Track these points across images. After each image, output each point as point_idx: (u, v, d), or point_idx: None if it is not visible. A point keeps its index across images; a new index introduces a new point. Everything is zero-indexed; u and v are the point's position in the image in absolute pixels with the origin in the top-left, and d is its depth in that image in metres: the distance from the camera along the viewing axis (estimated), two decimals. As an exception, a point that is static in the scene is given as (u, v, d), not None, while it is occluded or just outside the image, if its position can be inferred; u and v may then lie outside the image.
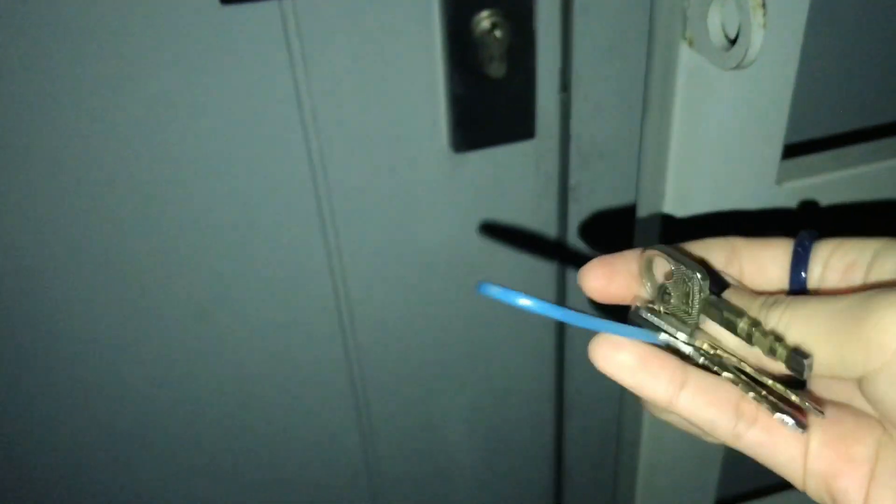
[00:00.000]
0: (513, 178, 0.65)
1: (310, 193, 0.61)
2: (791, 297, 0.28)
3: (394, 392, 0.74)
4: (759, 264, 0.32)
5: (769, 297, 0.29)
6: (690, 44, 0.43)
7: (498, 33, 0.55)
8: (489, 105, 0.59)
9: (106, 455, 0.69)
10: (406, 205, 0.64)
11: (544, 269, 0.71)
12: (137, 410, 0.67)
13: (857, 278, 0.29)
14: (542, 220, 0.68)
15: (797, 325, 0.27)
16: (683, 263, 0.29)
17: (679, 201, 0.63)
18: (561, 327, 0.75)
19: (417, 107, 0.59)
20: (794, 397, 0.28)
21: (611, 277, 0.32)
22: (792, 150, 0.58)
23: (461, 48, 0.56)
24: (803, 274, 0.30)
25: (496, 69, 0.57)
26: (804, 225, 0.59)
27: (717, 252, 0.32)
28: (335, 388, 0.72)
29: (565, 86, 0.62)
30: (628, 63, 0.62)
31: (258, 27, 0.53)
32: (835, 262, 0.30)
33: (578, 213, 0.68)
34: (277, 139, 0.58)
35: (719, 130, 0.49)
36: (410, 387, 0.74)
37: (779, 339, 0.27)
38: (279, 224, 0.62)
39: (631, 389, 0.30)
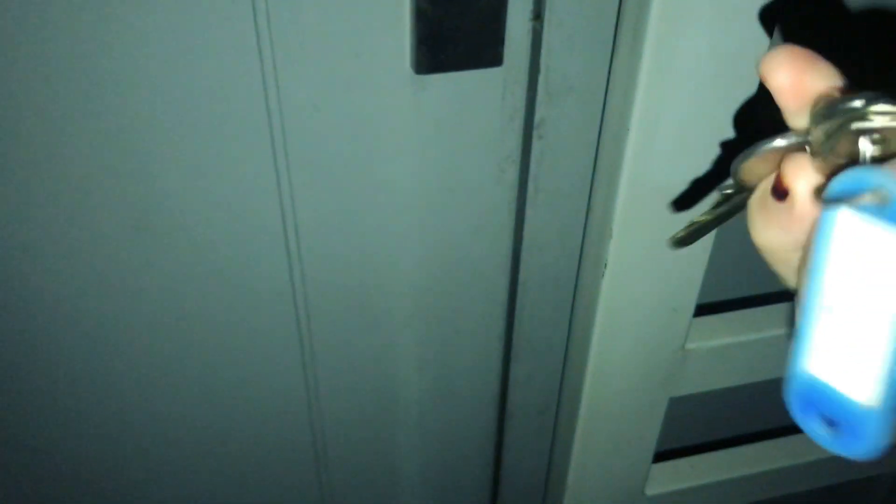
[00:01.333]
0: (476, 107, 0.62)
1: (261, 110, 0.57)
2: None
3: (340, 326, 0.71)
4: None
5: None
6: None
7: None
8: (455, 25, 0.56)
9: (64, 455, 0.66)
10: (362, 127, 0.60)
11: (501, 206, 0.68)
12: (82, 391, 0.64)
13: None
14: (503, 154, 0.65)
15: None
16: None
17: (642, 143, 0.61)
18: (514, 271, 0.73)
19: (379, 22, 0.56)
20: None
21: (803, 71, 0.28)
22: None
23: (430, -40, 0.53)
24: None
25: (466, -14, 0.54)
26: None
27: None
28: (280, 319, 0.69)
29: (538, 14, 0.59)
30: (605, -5, 0.59)
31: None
32: None
33: (541, 149, 0.65)
34: (227, 47, 0.54)
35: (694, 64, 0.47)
36: (358, 321, 0.72)
37: None
38: (226, 143, 0.58)
39: None
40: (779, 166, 0.29)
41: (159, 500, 0.78)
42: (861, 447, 0.26)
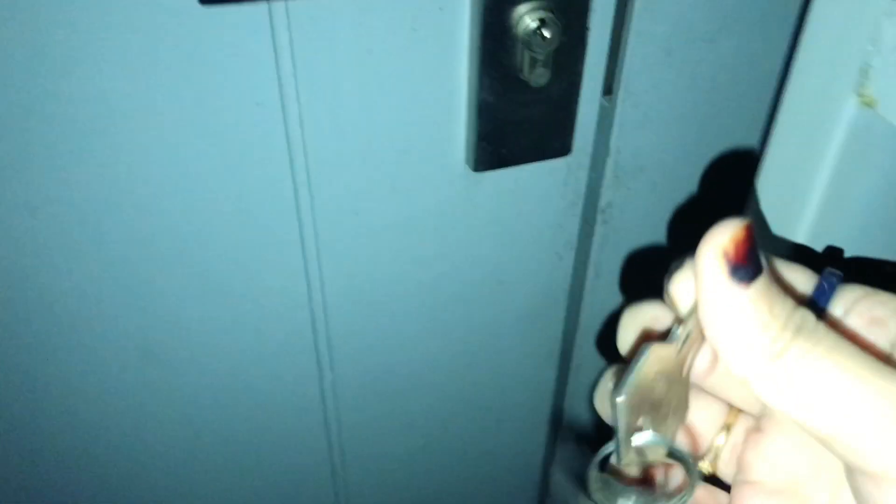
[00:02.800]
0: (535, 198, 0.53)
1: (291, 215, 0.48)
2: (825, 328, 0.24)
3: (376, 431, 0.63)
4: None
5: (799, 308, 0.24)
6: (870, 104, 0.32)
7: (546, 32, 0.43)
8: (523, 118, 0.47)
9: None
10: (406, 231, 0.51)
11: (556, 293, 0.60)
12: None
13: (881, 337, 0.26)
14: (562, 241, 0.57)
15: (827, 366, 0.23)
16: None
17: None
18: (566, 359, 0.65)
19: (430, 116, 0.47)
20: None
21: None
22: None
23: (496, 48, 0.44)
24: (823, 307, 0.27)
25: (538, 76, 0.45)
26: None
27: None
28: (311, 428, 0.60)
29: (609, 89, 0.50)
30: (685, 67, 0.50)
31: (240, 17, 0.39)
32: (859, 310, 0.26)
33: (605, 234, 0.57)
34: (254, 151, 0.44)
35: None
36: (392, 423, 0.63)
37: None
38: (254, 254, 0.49)
39: None
40: None
41: None
42: None
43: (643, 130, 0.52)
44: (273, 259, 0.49)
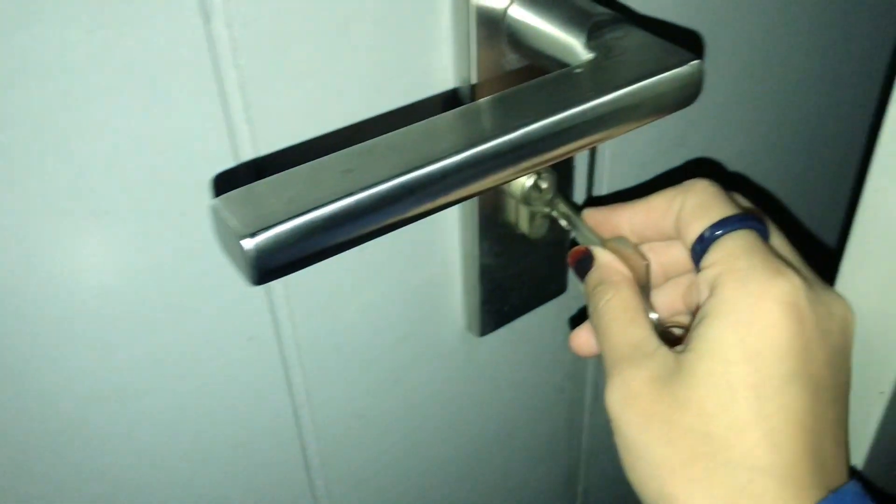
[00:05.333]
0: (535, 340, 0.50)
1: (292, 436, 0.42)
2: None
3: None
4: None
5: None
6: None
7: (543, 184, 0.40)
8: (522, 270, 0.44)
9: None
10: (409, 420, 0.46)
11: (558, 423, 0.57)
12: None
13: None
14: (562, 374, 0.53)
15: None
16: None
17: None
18: (573, 483, 0.61)
19: (428, 294, 0.42)
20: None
21: None
22: None
23: (494, 210, 0.40)
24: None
25: (538, 228, 0.42)
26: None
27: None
28: None
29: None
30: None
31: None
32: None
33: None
34: (253, 384, 0.38)
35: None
36: None
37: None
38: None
39: None
40: None
41: None
42: None
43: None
44: (277, 481, 0.43)
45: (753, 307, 0.27)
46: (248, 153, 0.32)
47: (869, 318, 0.34)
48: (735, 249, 0.29)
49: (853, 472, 0.30)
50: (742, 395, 0.27)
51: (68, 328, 0.32)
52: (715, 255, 0.29)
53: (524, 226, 0.41)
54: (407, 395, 0.45)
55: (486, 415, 0.51)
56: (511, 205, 0.40)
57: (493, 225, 0.40)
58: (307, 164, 0.26)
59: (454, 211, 0.40)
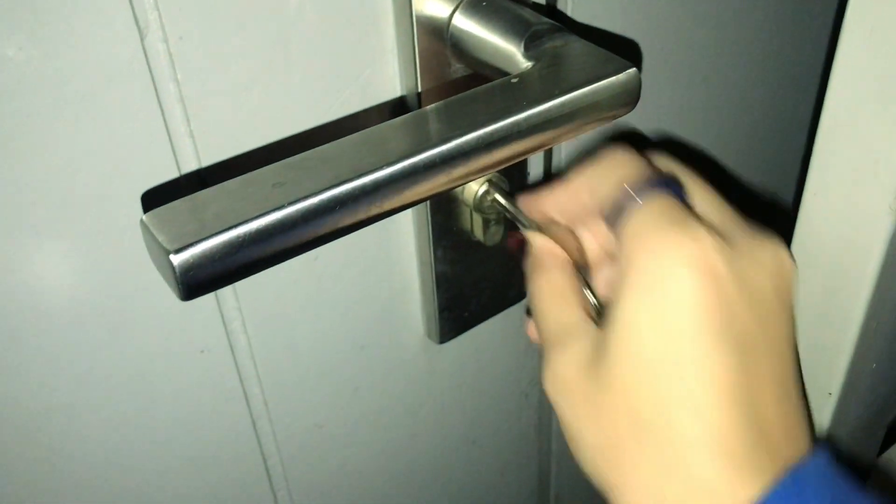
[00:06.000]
0: (495, 349, 0.50)
1: (252, 448, 0.41)
2: None
3: None
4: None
5: None
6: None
7: (495, 193, 0.40)
8: (480, 277, 0.44)
9: None
10: (372, 431, 0.46)
11: (527, 430, 0.57)
12: None
13: None
14: (527, 380, 0.53)
15: None
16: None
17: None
18: (545, 487, 0.61)
19: (388, 295, 0.42)
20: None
21: None
22: None
23: (446, 218, 0.40)
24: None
25: (492, 235, 0.42)
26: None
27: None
28: None
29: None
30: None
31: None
32: None
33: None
34: (209, 395, 0.38)
35: None
36: None
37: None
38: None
39: None
40: None
41: None
42: None
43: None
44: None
45: (665, 278, 0.26)
46: (191, 166, 0.32)
47: (816, 321, 0.34)
48: (645, 217, 0.27)
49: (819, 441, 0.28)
50: (661, 371, 0.26)
51: (14, 344, 0.31)
52: (627, 226, 0.28)
53: (479, 233, 0.41)
54: (368, 403, 0.45)
55: (449, 422, 0.51)
56: (465, 212, 0.41)
57: (447, 233, 0.40)
58: (238, 177, 0.26)
59: (409, 218, 0.41)
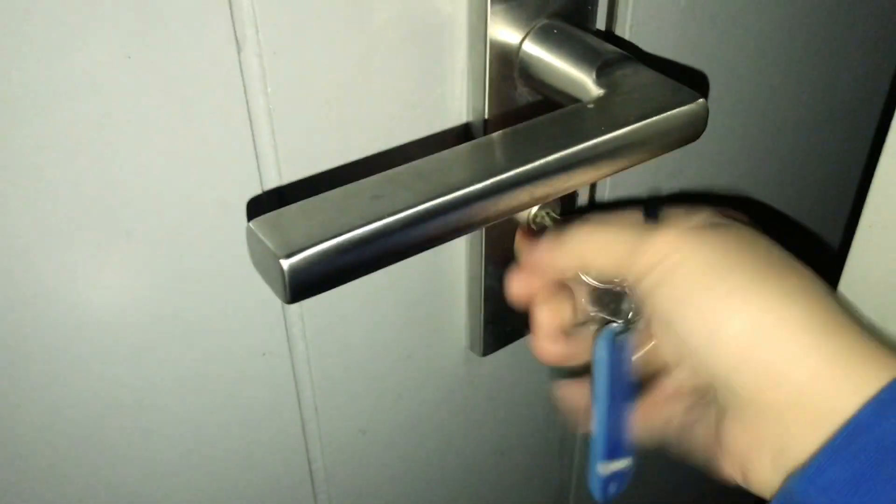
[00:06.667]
0: (529, 361, 0.51)
1: (300, 450, 0.43)
2: None
3: None
4: None
5: None
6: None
7: (545, 216, 0.41)
8: (524, 293, 0.45)
9: None
10: (405, 429, 0.47)
11: (552, 440, 0.58)
12: None
13: None
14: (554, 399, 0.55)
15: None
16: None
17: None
18: (565, 495, 0.63)
19: (435, 307, 0.44)
20: None
21: None
22: None
23: (499, 234, 0.42)
24: None
25: (541, 252, 0.43)
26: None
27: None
28: None
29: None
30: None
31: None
32: None
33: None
34: (265, 401, 0.39)
35: None
36: None
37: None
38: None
39: None
40: None
41: None
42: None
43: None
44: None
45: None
46: (272, 175, 0.33)
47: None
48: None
49: None
50: None
51: (89, 341, 0.33)
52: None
53: (528, 250, 0.43)
54: (409, 411, 0.46)
55: (481, 432, 0.52)
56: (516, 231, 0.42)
57: (498, 249, 0.42)
58: (337, 189, 0.27)
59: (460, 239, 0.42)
